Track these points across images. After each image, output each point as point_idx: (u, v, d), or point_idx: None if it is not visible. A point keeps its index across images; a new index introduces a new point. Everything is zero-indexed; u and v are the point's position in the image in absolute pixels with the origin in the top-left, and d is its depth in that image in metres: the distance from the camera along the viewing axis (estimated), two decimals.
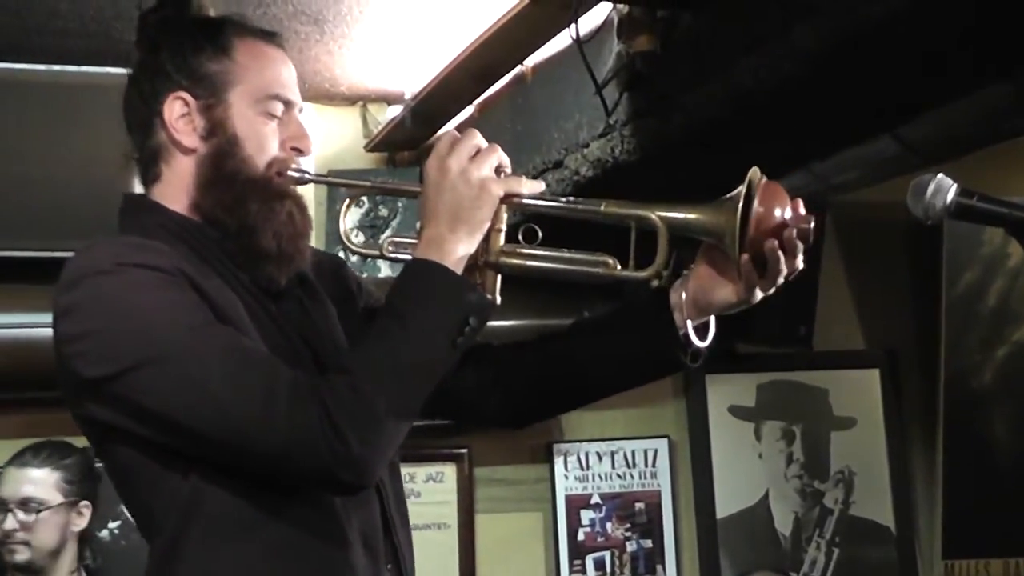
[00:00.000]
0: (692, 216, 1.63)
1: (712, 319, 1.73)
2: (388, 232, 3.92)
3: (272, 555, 1.59)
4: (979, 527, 4.14)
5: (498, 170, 1.63)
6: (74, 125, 3.39)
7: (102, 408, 1.58)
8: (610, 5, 2.53)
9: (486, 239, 1.64)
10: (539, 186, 1.66)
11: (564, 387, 1.84)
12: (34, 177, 3.37)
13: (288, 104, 1.74)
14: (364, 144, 3.96)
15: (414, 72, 3.56)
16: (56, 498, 3.14)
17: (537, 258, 1.68)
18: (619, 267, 1.64)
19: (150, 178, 1.77)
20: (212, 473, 1.58)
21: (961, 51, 2.13)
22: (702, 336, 1.73)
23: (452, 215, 1.59)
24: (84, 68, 3.39)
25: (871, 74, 2.23)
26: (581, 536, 4.09)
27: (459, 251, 1.59)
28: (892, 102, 2.40)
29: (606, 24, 2.57)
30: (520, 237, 1.68)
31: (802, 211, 1.62)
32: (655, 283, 1.63)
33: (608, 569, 4.09)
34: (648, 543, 4.13)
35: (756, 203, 1.58)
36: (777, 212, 1.60)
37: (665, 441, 4.20)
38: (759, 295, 1.67)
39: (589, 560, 4.08)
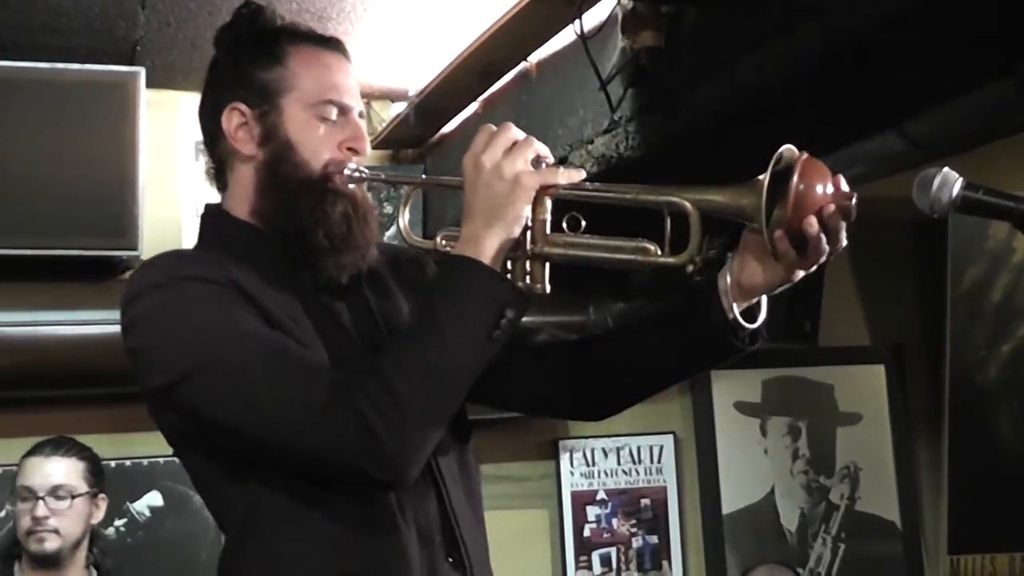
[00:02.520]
0: (721, 198, 1.60)
1: (764, 300, 1.70)
2: (393, 229, 3.92)
3: (325, 549, 1.64)
4: (985, 522, 4.15)
5: (537, 161, 1.62)
6: (78, 123, 3.39)
7: (170, 415, 1.68)
8: (614, 1, 2.53)
9: (531, 230, 1.63)
10: (578, 175, 1.65)
11: (628, 380, 1.84)
12: (38, 175, 3.37)
13: (343, 108, 1.76)
14: (369, 142, 3.95)
15: (418, 69, 3.56)
16: (83, 487, 3.15)
17: (582, 247, 1.66)
18: (658, 253, 1.62)
19: (220, 187, 1.83)
20: (268, 474, 1.64)
21: (965, 47, 2.12)
22: (752, 319, 1.70)
23: (488, 211, 1.60)
24: (88, 66, 3.39)
25: (876, 70, 2.22)
26: (587, 532, 4.09)
27: (495, 246, 1.60)
28: (897, 98, 2.39)
29: (610, 20, 2.56)
30: (564, 226, 1.67)
31: (844, 187, 1.58)
32: (690, 268, 1.61)
33: (614, 565, 4.09)
34: (654, 539, 4.13)
35: (795, 180, 1.53)
36: (819, 189, 1.55)
37: (671, 437, 4.20)
38: (800, 274, 1.64)
39: (595, 556, 4.08)
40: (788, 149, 1.57)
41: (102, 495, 3.21)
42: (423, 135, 3.85)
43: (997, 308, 4.19)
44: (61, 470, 3.14)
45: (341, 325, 1.74)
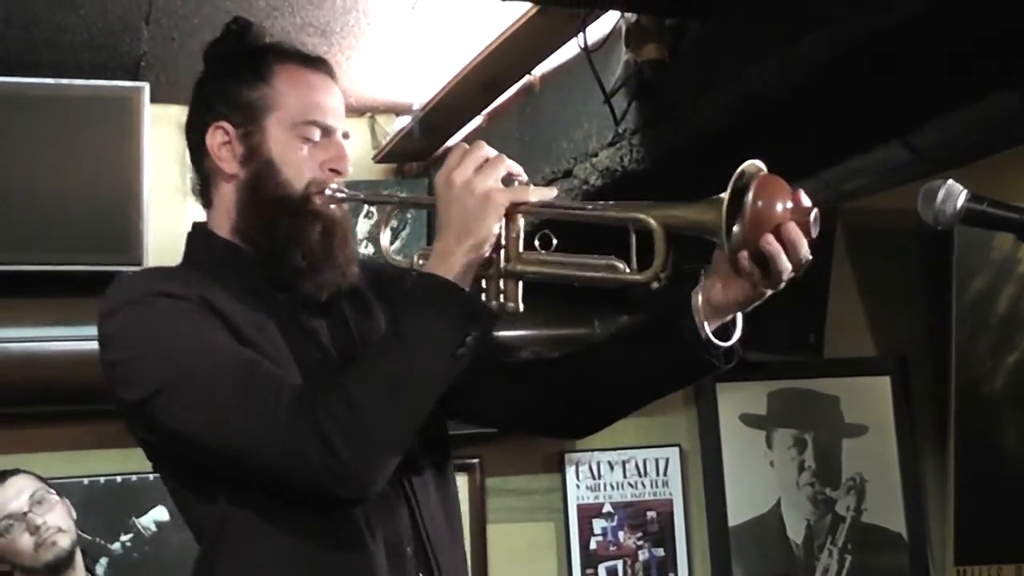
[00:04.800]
0: (685, 215, 1.59)
1: (739, 317, 1.70)
2: (397, 243, 3.92)
3: (291, 566, 1.65)
4: (991, 533, 4.13)
5: (509, 179, 1.63)
6: (82, 139, 3.40)
7: (142, 430, 1.70)
8: (618, 14, 2.53)
9: (504, 247, 1.64)
10: (549, 192, 1.66)
11: (606, 397, 1.84)
12: (42, 191, 3.38)
13: (326, 129, 1.77)
14: (372, 155, 3.96)
15: (422, 83, 3.57)
16: (46, 488, 3.20)
17: (554, 264, 1.67)
18: (626, 270, 1.62)
19: (205, 205, 1.86)
20: (237, 490, 1.65)
21: (971, 58, 2.12)
22: (727, 336, 1.69)
23: (459, 228, 1.60)
24: (92, 82, 3.40)
25: (881, 81, 2.23)
26: (593, 545, 4.08)
27: (464, 262, 1.60)
28: (902, 109, 2.39)
29: (614, 33, 2.56)
30: (536, 244, 1.67)
31: (804, 202, 1.56)
32: (654, 285, 1.60)
33: None
34: (660, 552, 4.12)
35: (750, 197, 1.52)
36: (777, 206, 1.53)
37: (676, 450, 4.20)
38: (768, 292, 1.63)
39: (601, 569, 4.08)
40: (751, 165, 1.56)
41: (63, 497, 3.25)
42: (427, 148, 3.86)
43: (1003, 319, 4.17)
44: (24, 484, 3.18)
45: (318, 343, 1.75)
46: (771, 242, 1.53)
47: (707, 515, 4.20)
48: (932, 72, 2.21)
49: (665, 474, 4.17)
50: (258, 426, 1.57)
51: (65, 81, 3.38)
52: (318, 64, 1.81)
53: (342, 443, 1.53)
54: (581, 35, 2.52)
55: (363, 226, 3.91)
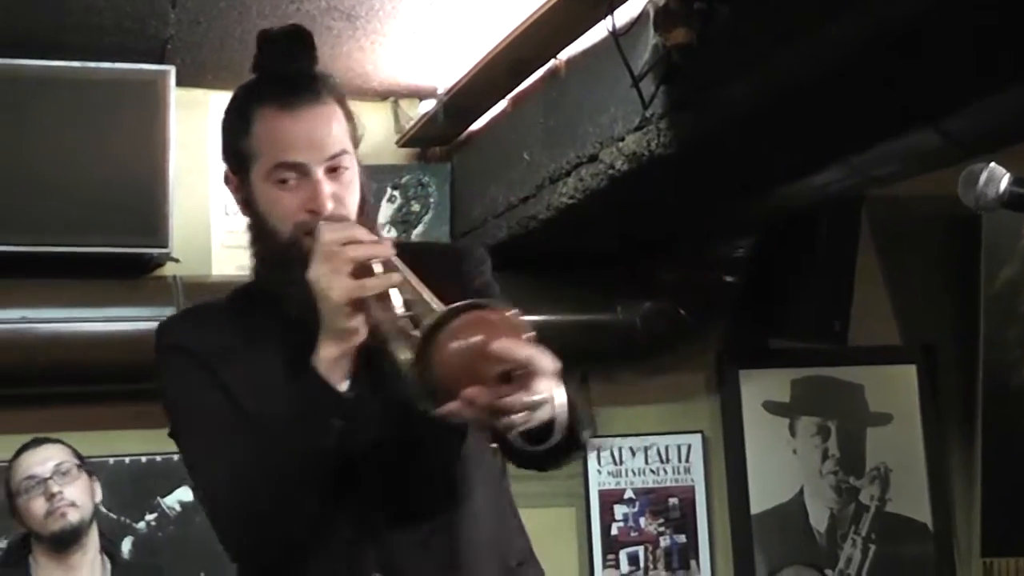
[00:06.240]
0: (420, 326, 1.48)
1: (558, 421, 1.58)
2: (420, 227, 3.92)
3: None
4: (1018, 524, 4.11)
5: (363, 267, 1.59)
6: (109, 121, 3.41)
7: None
8: None
9: (378, 328, 1.60)
10: (388, 280, 1.58)
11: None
12: (69, 173, 3.38)
13: (299, 168, 1.71)
14: (396, 139, 3.95)
15: (446, 67, 3.55)
16: (77, 462, 3.23)
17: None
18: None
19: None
20: None
21: (1005, 42, 2.10)
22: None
23: (324, 323, 1.61)
24: (119, 65, 3.40)
25: (912, 65, 2.20)
26: (615, 531, 4.08)
27: (331, 355, 1.61)
28: (934, 93, 2.36)
29: (642, 17, 2.55)
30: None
31: (512, 354, 1.42)
32: (407, 366, 1.54)
33: (642, 564, 4.08)
34: (682, 538, 4.11)
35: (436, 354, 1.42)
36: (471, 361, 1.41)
37: (699, 436, 4.19)
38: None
39: (623, 555, 4.07)
40: (469, 304, 1.46)
41: (94, 476, 3.26)
42: (451, 133, 3.85)
43: None
44: (56, 452, 3.22)
45: (316, 379, 1.69)
46: (461, 408, 1.45)
47: (729, 502, 4.19)
48: (964, 56, 2.19)
49: (687, 461, 4.16)
50: (208, 489, 1.75)
51: (92, 64, 3.39)
52: (293, 99, 1.72)
53: (213, 515, 1.71)
54: (609, 19, 2.51)
55: (386, 210, 3.91)
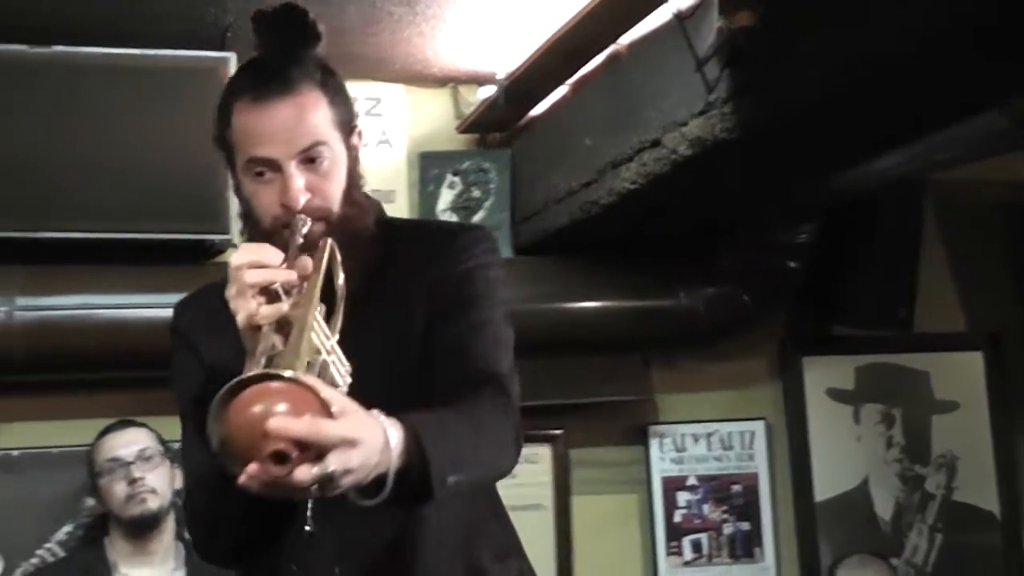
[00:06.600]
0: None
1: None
2: (481, 213, 3.90)
3: None
4: None
5: (267, 290, 1.56)
6: (170, 109, 3.42)
7: None
8: None
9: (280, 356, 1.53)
10: (275, 309, 1.54)
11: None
12: (130, 160, 3.40)
13: (269, 162, 1.69)
14: (456, 125, 3.94)
15: (506, 52, 3.54)
16: (161, 448, 3.27)
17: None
18: None
19: None
20: None
21: None
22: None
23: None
24: (179, 52, 3.42)
25: (982, 46, 2.15)
26: (678, 518, 4.06)
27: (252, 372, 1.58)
28: (1003, 76, 2.31)
29: (705, 0, 2.52)
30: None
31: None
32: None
33: (705, 551, 4.06)
34: (745, 525, 4.08)
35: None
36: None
37: (762, 423, 4.15)
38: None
39: (686, 542, 4.05)
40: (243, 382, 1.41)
41: (176, 464, 3.27)
42: (511, 118, 3.83)
43: None
44: (140, 437, 3.28)
45: None
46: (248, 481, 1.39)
47: (793, 490, 4.16)
48: None
49: (750, 448, 4.12)
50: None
51: (152, 52, 3.41)
52: (264, 91, 1.70)
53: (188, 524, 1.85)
54: (673, 2, 2.48)
55: (446, 196, 3.90)
